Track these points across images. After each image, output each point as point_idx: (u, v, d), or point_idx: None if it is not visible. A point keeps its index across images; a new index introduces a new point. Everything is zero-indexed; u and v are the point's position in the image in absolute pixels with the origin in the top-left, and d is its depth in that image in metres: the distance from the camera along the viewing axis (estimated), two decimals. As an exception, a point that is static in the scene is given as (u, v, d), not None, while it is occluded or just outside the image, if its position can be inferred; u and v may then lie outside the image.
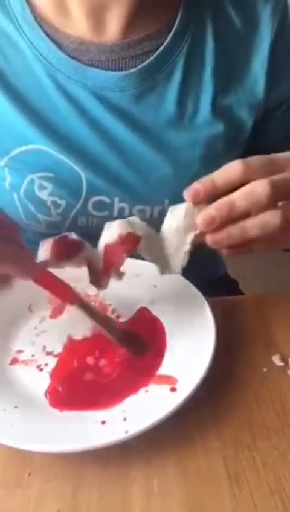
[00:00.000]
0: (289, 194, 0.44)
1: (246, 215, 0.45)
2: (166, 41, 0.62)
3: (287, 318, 0.61)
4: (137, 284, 0.61)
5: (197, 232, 0.47)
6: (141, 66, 0.62)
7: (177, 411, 0.45)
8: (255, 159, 0.46)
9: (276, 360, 0.55)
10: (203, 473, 0.45)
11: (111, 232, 0.49)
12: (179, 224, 0.48)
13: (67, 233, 0.50)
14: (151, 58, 0.62)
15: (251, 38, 0.65)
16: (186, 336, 0.54)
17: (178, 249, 0.49)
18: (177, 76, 0.63)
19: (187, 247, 0.48)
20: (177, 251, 0.49)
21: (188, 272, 0.61)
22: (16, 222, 0.46)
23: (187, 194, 0.46)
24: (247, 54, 0.65)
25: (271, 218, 0.44)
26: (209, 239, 0.46)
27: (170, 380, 0.49)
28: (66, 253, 0.49)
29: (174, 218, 0.48)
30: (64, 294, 0.51)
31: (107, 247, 0.49)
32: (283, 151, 0.51)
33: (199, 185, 0.46)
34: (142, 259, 0.50)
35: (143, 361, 0.52)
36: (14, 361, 0.55)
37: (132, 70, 0.61)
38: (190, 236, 0.47)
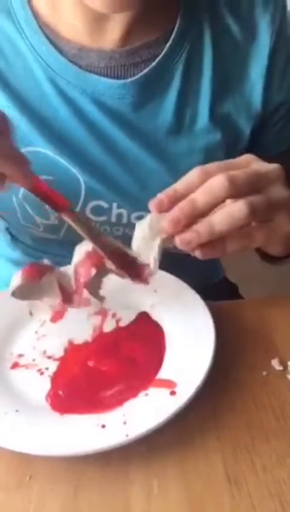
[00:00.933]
0: (249, 187, 0.45)
1: (210, 212, 0.46)
2: (164, 50, 0.62)
3: (287, 322, 0.61)
4: (137, 288, 0.61)
5: (164, 236, 0.47)
6: (139, 75, 0.62)
7: (177, 414, 0.46)
8: (214, 164, 0.47)
9: (275, 364, 0.55)
10: (202, 474, 0.45)
11: (79, 252, 0.51)
12: (145, 233, 0.48)
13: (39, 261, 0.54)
14: (150, 67, 0.62)
15: (249, 46, 0.65)
16: (186, 340, 0.54)
17: (147, 257, 0.50)
18: (175, 85, 0.63)
19: (155, 253, 0.49)
20: (147, 260, 0.50)
21: (188, 276, 0.62)
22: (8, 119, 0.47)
23: (152, 204, 0.47)
24: (245, 61, 0.65)
25: (236, 208, 0.44)
26: (178, 241, 0.46)
27: (169, 384, 0.49)
28: (36, 275, 0.51)
29: (140, 229, 0.49)
30: (61, 201, 0.50)
31: (76, 266, 0.52)
32: (283, 162, 0.52)
33: (162, 195, 0.47)
34: None
35: (143, 365, 0.53)
36: (15, 365, 0.55)
37: (131, 79, 0.62)
38: (157, 242, 0.48)
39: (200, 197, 0.45)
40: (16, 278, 0.52)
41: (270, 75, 0.66)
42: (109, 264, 0.50)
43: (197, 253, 0.47)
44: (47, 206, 0.65)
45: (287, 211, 0.48)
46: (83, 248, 0.51)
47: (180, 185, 0.47)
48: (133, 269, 0.50)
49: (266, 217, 0.47)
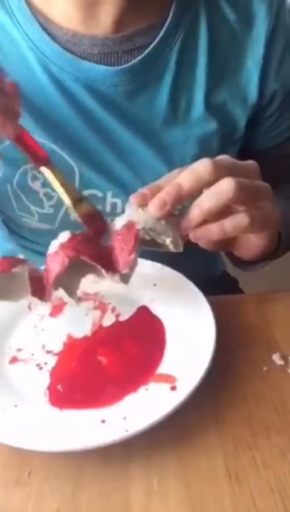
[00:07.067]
0: (230, 170, 0.48)
1: (196, 195, 0.49)
2: (158, 37, 0.62)
3: (287, 317, 0.61)
4: (137, 282, 0.61)
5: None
6: (133, 61, 0.62)
7: (177, 409, 0.45)
8: (223, 161, 0.50)
9: (276, 358, 0.55)
10: (203, 471, 0.45)
11: (54, 245, 0.51)
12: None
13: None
14: (144, 54, 0.62)
15: (246, 35, 0.64)
16: (186, 335, 0.54)
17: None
18: (170, 73, 0.63)
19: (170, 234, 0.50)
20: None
21: (188, 270, 0.61)
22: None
23: (134, 198, 0.50)
24: (241, 51, 0.65)
25: (242, 219, 0.49)
26: (191, 235, 0.50)
27: (169, 379, 0.49)
28: (6, 266, 0.51)
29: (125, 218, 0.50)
30: (41, 154, 0.54)
31: (47, 258, 0.51)
32: (275, 155, 0.53)
33: (145, 190, 0.50)
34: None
35: (143, 359, 0.52)
36: (14, 359, 0.55)
37: (125, 65, 0.61)
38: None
39: (186, 180, 0.48)
40: None
41: (266, 65, 0.65)
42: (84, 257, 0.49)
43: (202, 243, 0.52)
44: (41, 195, 0.66)
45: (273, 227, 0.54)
46: (58, 241, 0.50)
47: (163, 180, 0.50)
48: (106, 259, 0.51)
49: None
